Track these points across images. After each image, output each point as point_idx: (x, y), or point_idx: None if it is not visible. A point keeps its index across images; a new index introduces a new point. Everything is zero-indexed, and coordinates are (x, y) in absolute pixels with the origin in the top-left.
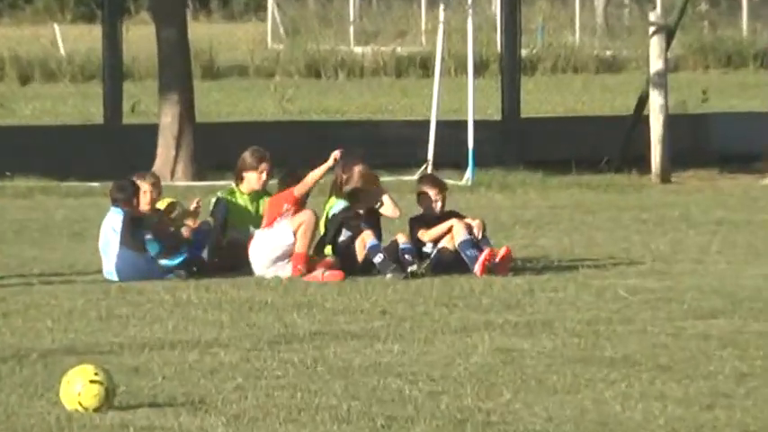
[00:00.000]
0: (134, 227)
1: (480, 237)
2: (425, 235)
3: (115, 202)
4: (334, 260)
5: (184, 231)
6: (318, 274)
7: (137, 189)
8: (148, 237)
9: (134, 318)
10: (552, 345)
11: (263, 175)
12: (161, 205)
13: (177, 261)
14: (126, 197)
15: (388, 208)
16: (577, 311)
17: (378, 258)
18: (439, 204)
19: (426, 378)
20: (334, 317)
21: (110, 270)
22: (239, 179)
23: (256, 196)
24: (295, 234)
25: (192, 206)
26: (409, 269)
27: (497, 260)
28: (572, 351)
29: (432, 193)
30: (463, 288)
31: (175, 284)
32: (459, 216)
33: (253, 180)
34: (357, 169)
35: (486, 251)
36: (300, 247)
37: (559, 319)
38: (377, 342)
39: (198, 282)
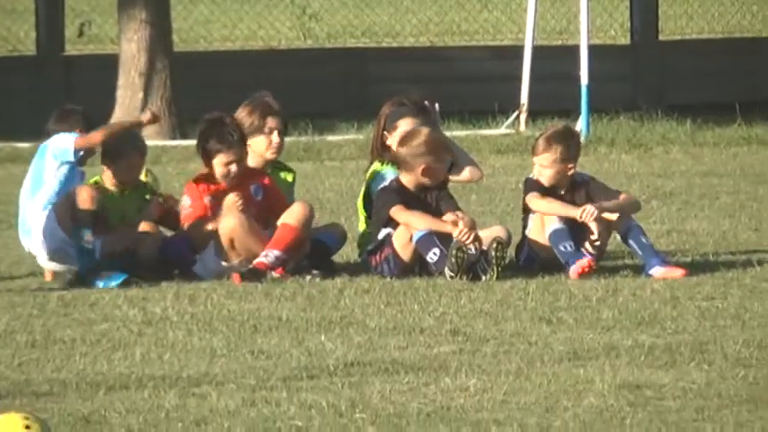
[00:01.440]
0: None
1: (624, 229)
2: (532, 201)
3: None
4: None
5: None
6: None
7: (87, 119)
8: (87, 241)
9: (84, 343)
10: (705, 379)
11: (275, 137)
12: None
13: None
14: (69, 126)
15: (463, 170)
16: (743, 329)
17: (433, 255)
18: (549, 173)
19: (518, 428)
20: (381, 339)
21: (30, 227)
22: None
23: (270, 170)
24: None
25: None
26: (455, 251)
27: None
28: (735, 387)
29: (543, 156)
30: (573, 295)
31: (145, 293)
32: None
33: (260, 146)
34: (423, 138)
35: (586, 260)
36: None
37: (716, 340)
38: (444, 376)
39: (179, 289)
